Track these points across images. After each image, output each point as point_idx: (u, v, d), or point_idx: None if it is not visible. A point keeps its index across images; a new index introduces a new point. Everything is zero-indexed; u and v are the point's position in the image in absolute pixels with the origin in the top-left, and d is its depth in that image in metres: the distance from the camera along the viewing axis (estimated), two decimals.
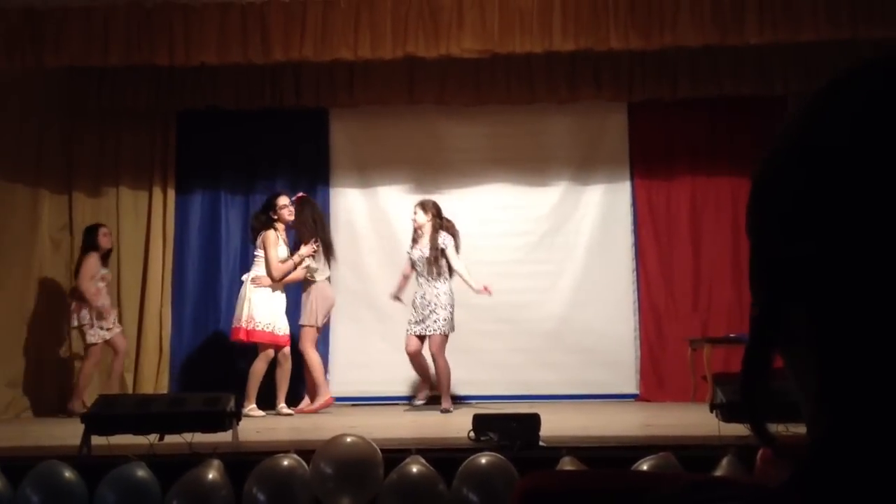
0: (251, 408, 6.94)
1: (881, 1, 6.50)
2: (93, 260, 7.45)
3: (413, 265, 7.26)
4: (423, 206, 7.29)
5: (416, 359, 7.26)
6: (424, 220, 7.21)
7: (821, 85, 0.51)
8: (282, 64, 7.32)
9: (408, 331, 7.19)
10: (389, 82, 7.95)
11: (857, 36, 6.44)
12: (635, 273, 8.36)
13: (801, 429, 0.51)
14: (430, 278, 7.15)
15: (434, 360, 7.17)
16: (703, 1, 6.64)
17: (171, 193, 8.40)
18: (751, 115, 8.10)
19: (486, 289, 7.22)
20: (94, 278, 7.42)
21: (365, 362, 8.21)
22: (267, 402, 7.21)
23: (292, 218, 7.21)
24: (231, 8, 6.77)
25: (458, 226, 7.99)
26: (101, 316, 7.41)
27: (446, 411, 7.00)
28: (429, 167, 8.49)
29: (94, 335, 7.40)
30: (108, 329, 7.48)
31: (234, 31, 6.78)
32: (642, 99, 8.12)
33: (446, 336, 7.12)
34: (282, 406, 7.15)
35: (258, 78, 7.98)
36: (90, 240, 7.56)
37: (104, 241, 7.59)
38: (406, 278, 7.38)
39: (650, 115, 8.32)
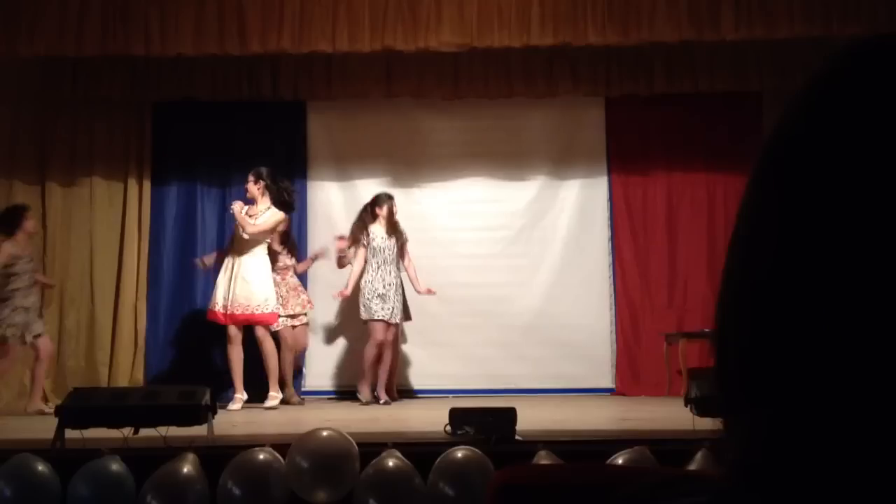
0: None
1: None
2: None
3: (375, 253, 7.33)
4: (388, 196, 7.50)
5: (388, 348, 7.35)
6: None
7: (804, 82, 0.51)
8: (259, 56, 7.28)
9: (386, 320, 7.24)
10: (367, 75, 7.93)
11: (831, 33, 6.50)
12: (611, 268, 8.40)
13: None
14: (396, 267, 7.36)
15: (395, 348, 7.43)
16: None
17: (147, 185, 8.33)
18: (727, 111, 8.15)
19: (429, 291, 7.51)
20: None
21: (341, 355, 8.21)
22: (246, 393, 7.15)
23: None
24: None
25: (435, 219, 8.02)
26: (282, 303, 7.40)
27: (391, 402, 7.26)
28: (406, 161, 8.48)
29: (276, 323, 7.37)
30: (290, 315, 7.46)
31: (210, 22, 6.73)
32: (619, 94, 8.14)
33: None
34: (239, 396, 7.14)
35: (235, 70, 7.93)
36: None
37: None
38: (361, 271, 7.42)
39: (627, 110, 8.35)
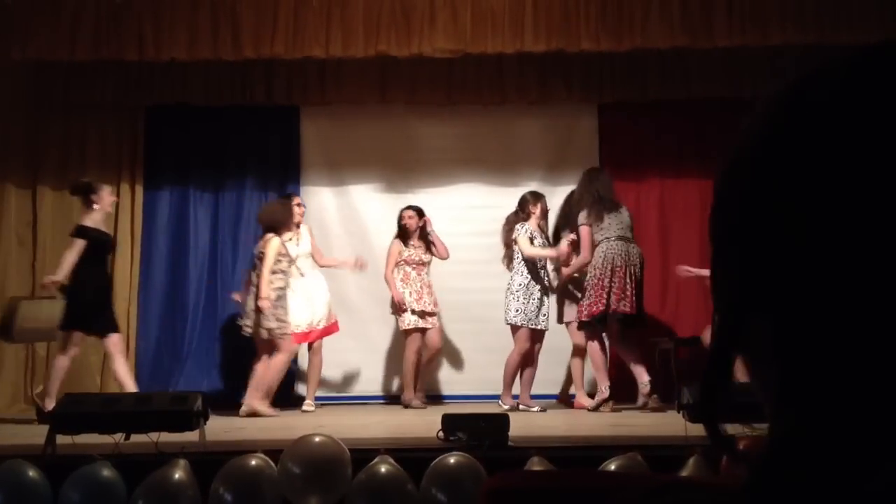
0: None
1: (846, 5, 6.60)
2: (392, 246, 7.56)
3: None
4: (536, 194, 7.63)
5: None
6: None
7: (782, 85, 0.51)
8: (253, 61, 7.27)
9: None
10: (361, 81, 7.93)
11: (824, 40, 6.53)
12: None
13: (764, 429, 0.52)
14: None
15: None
16: (672, 4, 6.70)
17: (139, 190, 8.30)
18: (719, 118, 8.15)
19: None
20: (398, 265, 7.51)
21: (335, 361, 8.18)
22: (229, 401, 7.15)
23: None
24: (201, 4, 6.72)
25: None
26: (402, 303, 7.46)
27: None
28: (400, 166, 8.47)
29: (403, 321, 7.46)
30: (421, 313, 7.47)
31: (204, 27, 6.73)
32: (612, 100, 8.16)
33: None
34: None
35: (228, 75, 7.92)
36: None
37: (408, 224, 7.59)
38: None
39: (620, 116, 8.36)
